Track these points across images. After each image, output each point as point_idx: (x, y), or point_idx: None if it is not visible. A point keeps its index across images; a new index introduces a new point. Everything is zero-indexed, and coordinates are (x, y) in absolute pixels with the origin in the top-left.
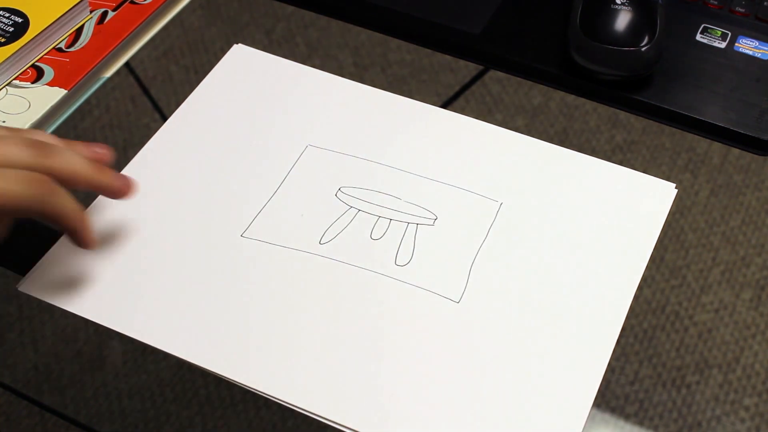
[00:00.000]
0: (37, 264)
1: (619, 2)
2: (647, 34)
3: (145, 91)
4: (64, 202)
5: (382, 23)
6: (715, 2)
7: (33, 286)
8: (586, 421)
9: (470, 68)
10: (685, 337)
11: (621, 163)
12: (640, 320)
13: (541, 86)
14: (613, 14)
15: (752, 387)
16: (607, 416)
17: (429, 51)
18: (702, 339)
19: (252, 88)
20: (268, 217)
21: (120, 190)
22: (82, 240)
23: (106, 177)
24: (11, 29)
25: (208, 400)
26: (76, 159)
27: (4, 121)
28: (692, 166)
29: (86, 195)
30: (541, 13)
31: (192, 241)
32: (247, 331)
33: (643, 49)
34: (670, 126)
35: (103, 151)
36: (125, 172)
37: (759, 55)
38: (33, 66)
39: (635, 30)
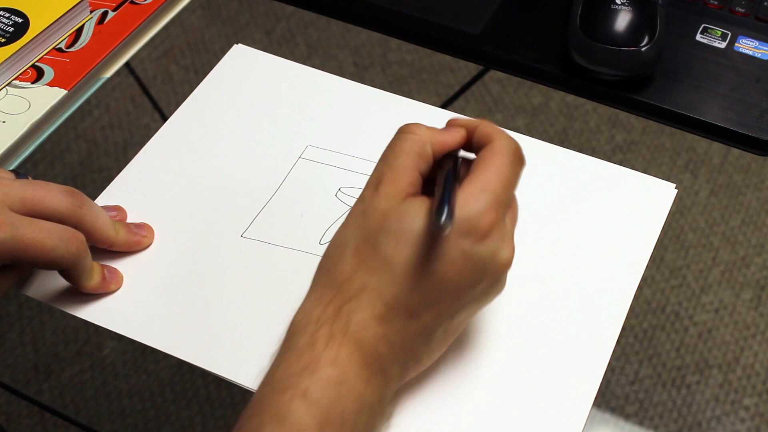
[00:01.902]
0: None
1: (619, 2)
2: (647, 34)
3: (145, 91)
4: (89, 264)
5: (382, 23)
6: (715, 2)
7: (33, 287)
8: (586, 421)
9: (470, 68)
10: (685, 337)
11: (621, 163)
12: (640, 320)
13: (541, 86)
14: (613, 14)
15: (752, 387)
16: (607, 416)
17: (429, 51)
18: (702, 339)
19: (252, 88)
20: (268, 217)
21: (137, 243)
22: (85, 291)
23: (123, 236)
24: (11, 29)
25: (208, 400)
26: (104, 215)
27: (4, 122)
28: (692, 166)
29: (87, 195)
30: (541, 13)
31: (192, 241)
32: (247, 331)
33: (643, 49)
34: (670, 126)
35: (116, 212)
36: (125, 172)
37: (759, 55)
38: (33, 66)
39: (635, 30)
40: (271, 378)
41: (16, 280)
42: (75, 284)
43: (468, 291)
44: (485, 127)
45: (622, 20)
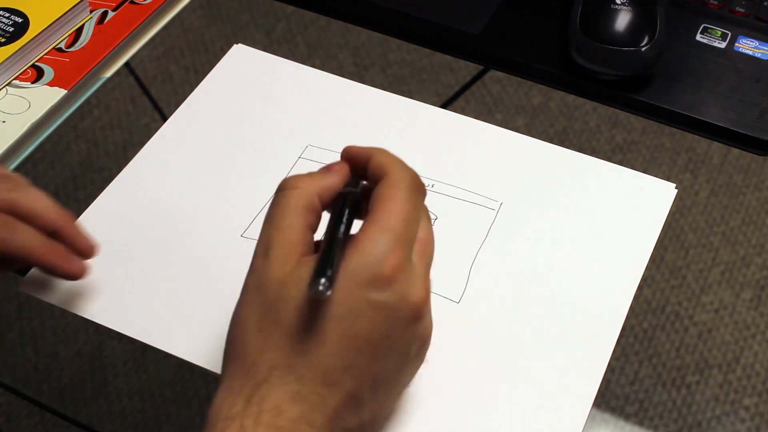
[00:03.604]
0: None
1: (619, 2)
2: (647, 34)
3: (145, 91)
4: (28, 240)
5: (382, 23)
6: (715, 2)
7: (33, 286)
8: (586, 421)
9: (470, 68)
10: (685, 337)
11: (621, 163)
12: (640, 320)
13: (541, 86)
14: (612, 14)
15: (752, 387)
16: (607, 416)
17: (429, 51)
18: (702, 339)
19: (252, 88)
20: None
21: (87, 249)
22: (62, 273)
23: (70, 224)
24: (11, 29)
25: (208, 400)
26: (43, 198)
27: (4, 121)
28: (692, 166)
29: (86, 195)
30: (541, 13)
31: (192, 241)
32: None
33: (642, 49)
34: (670, 126)
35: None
36: (125, 172)
37: (759, 55)
38: (33, 66)
39: (635, 30)
40: None
41: None
42: (31, 264)
43: (384, 342)
44: (379, 157)
45: (622, 20)
